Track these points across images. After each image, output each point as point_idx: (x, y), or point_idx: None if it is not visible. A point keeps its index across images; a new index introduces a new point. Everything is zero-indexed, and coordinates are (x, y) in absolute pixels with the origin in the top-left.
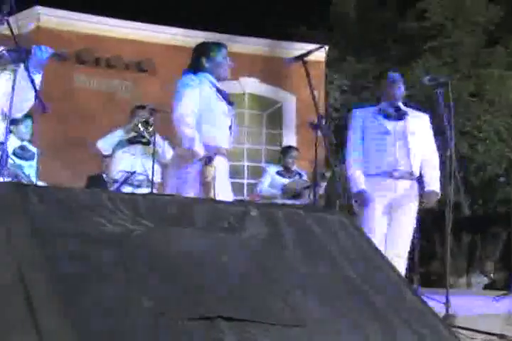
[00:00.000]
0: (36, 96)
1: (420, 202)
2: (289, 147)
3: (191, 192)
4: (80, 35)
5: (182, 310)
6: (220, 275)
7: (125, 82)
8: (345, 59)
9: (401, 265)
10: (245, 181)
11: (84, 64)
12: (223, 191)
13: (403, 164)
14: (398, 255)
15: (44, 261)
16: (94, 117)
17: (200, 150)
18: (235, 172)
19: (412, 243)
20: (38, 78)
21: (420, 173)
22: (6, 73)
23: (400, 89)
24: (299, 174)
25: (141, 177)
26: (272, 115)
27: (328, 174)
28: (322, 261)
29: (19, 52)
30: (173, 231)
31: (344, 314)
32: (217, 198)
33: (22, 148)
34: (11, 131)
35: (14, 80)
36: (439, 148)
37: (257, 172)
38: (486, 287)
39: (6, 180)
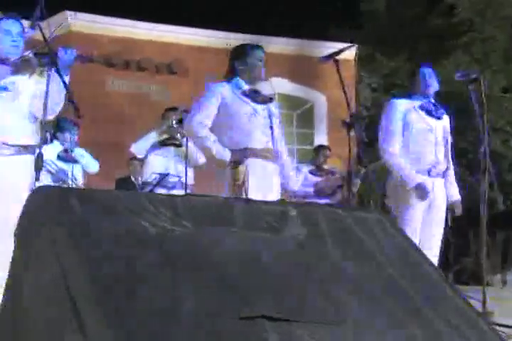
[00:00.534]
0: (69, 100)
1: (451, 211)
2: (321, 146)
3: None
4: (110, 39)
5: (225, 311)
6: (261, 275)
7: (156, 84)
8: (375, 57)
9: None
10: None
11: (115, 67)
12: (261, 191)
13: (441, 163)
14: (432, 254)
15: (86, 263)
16: (126, 120)
17: (220, 154)
18: None
19: (447, 240)
20: (66, 80)
21: None
22: (35, 77)
23: (434, 85)
24: (332, 173)
25: (174, 179)
26: (302, 115)
27: (362, 171)
28: (362, 259)
29: (50, 56)
30: (214, 231)
31: (385, 312)
32: None
33: (66, 151)
34: (55, 137)
35: (48, 84)
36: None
37: None
38: None
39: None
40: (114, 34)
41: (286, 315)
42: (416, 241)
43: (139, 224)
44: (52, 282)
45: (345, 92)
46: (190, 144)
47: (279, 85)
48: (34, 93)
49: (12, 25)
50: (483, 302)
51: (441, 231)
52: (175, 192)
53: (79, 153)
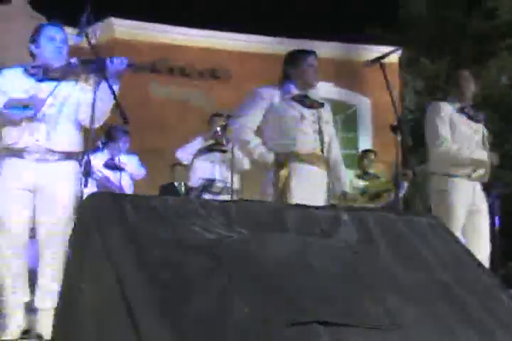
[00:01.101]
0: (118, 107)
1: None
2: (367, 150)
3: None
4: (154, 45)
5: (279, 316)
6: (315, 280)
7: (198, 90)
8: (418, 60)
9: None
10: None
11: (159, 73)
12: (305, 196)
13: (482, 167)
14: (482, 259)
15: (141, 268)
16: (168, 126)
17: (262, 157)
18: None
19: (493, 243)
20: (115, 88)
21: None
22: (80, 84)
23: (471, 89)
24: (377, 177)
25: (220, 185)
26: (346, 119)
27: (409, 174)
28: (414, 263)
29: (97, 63)
30: (267, 237)
31: (438, 317)
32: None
33: (112, 158)
34: (105, 145)
35: (95, 92)
36: None
37: None
38: None
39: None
40: (157, 40)
41: (340, 320)
42: None
43: (192, 230)
44: (108, 288)
45: (391, 96)
46: (236, 150)
47: (324, 89)
48: (79, 100)
49: (56, 32)
50: None
51: (487, 234)
52: (221, 197)
53: (124, 160)
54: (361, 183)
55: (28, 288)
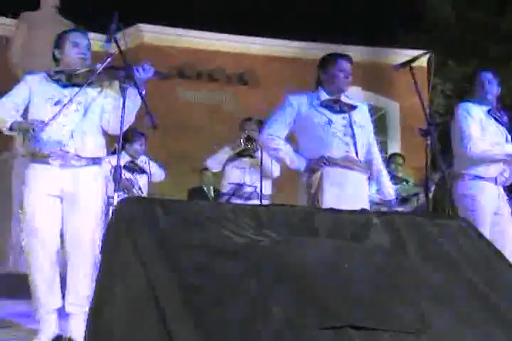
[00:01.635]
0: (147, 113)
1: None
2: (395, 154)
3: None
4: (182, 50)
5: (312, 320)
6: (346, 284)
7: (227, 94)
8: (446, 63)
9: None
10: None
11: (187, 78)
12: (339, 200)
13: (506, 171)
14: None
15: (172, 273)
16: (197, 130)
17: (294, 164)
18: None
19: None
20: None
21: None
22: (106, 90)
23: (493, 91)
24: (406, 180)
25: (249, 190)
26: (375, 122)
27: (436, 177)
28: (445, 266)
29: (125, 71)
30: (298, 241)
31: (471, 320)
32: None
33: (132, 161)
34: (122, 147)
35: (124, 98)
36: None
37: None
38: None
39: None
40: (185, 45)
41: (372, 324)
42: None
43: (223, 234)
44: (139, 291)
45: (421, 100)
46: (266, 156)
47: (352, 93)
48: (104, 106)
49: (80, 38)
50: None
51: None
52: (251, 202)
53: (144, 162)
54: None
55: (59, 293)
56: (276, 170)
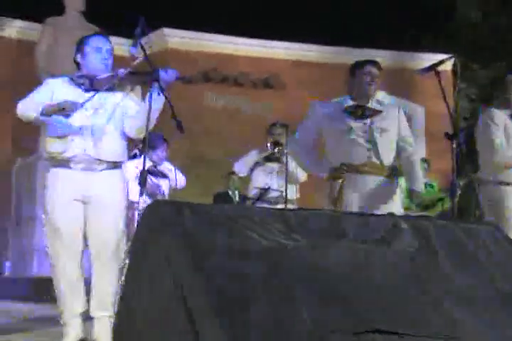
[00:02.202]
0: (173, 118)
1: None
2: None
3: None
4: (207, 55)
5: (339, 325)
6: (373, 288)
7: (252, 99)
8: (470, 66)
9: None
10: None
11: (213, 82)
12: (362, 205)
13: None
14: None
15: (198, 274)
16: (222, 135)
17: (317, 171)
18: None
19: None
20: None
21: None
22: (129, 95)
23: None
24: (431, 185)
25: (275, 194)
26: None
27: (462, 182)
28: (474, 272)
29: (150, 75)
30: (326, 245)
31: (499, 326)
32: None
33: (155, 166)
34: (141, 152)
35: (150, 102)
36: None
37: None
38: None
39: (145, 198)
40: (210, 50)
41: (400, 330)
42: None
43: (251, 237)
44: (166, 293)
45: (447, 104)
46: (290, 162)
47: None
48: (126, 111)
49: (102, 43)
50: None
51: None
52: (278, 207)
53: (167, 167)
54: None
55: (84, 297)
56: (302, 175)
